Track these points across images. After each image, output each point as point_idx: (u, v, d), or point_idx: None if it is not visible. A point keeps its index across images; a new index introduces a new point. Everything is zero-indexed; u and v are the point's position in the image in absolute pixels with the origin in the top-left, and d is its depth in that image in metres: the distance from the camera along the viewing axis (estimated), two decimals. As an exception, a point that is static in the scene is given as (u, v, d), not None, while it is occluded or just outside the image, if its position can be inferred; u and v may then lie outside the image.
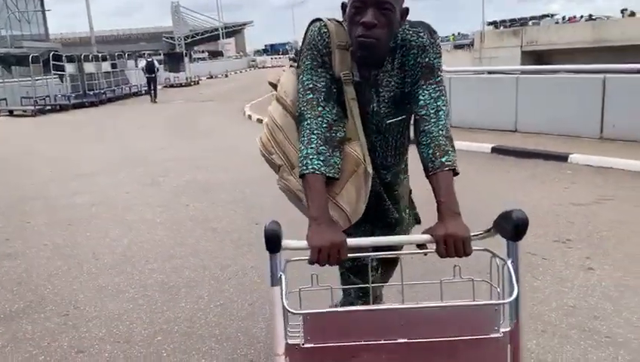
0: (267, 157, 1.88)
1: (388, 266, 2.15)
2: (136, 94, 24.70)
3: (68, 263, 4.33)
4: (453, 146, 1.61)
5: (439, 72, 1.71)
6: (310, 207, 1.53)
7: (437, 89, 1.67)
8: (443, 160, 1.57)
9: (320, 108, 1.66)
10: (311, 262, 1.43)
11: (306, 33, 1.77)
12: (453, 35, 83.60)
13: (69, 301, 3.64)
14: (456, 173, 1.59)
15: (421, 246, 1.54)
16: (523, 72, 10.38)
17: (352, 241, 1.47)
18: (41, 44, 38.06)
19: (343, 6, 1.70)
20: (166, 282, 3.86)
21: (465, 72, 10.61)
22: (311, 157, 1.58)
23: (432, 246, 1.47)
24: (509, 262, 1.37)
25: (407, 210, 2.09)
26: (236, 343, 2.97)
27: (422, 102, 1.66)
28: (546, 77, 8.86)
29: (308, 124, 1.64)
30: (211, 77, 38.78)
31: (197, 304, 3.49)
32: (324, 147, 1.61)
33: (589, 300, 3.26)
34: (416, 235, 1.54)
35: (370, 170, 1.74)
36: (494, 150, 7.66)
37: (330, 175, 1.60)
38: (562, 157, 6.88)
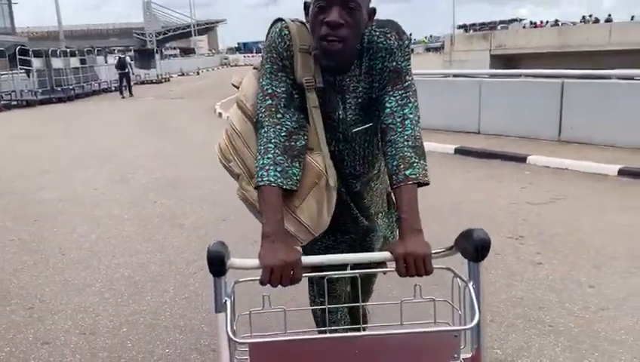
0: (225, 165, 1.79)
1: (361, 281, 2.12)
2: (106, 90, 24.39)
3: (34, 258, 4.36)
4: (420, 156, 1.52)
5: (407, 77, 1.60)
6: (264, 223, 1.44)
7: (404, 95, 1.58)
8: (407, 173, 1.49)
9: (279, 116, 1.56)
10: (262, 282, 1.35)
11: (267, 34, 1.66)
12: (425, 37, 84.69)
13: (34, 295, 3.68)
14: (423, 184, 1.51)
15: (380, 264, 1.47)
16: (492, 75, 10.69)
17: (307, 259, 1.39)
18: (7, 38, 37.16)
19: (306, 6, 1.58)
20: (132, 276, 3.93)
21: (432, 75, 10.86)
22: (267, 167, 1.49)
23: (392, 265, 1.40)
24: (470, 285, 1.30)
25: (383, 215, 2.01)
26: (200, 334, 3.07)
27: (388, 109, 1.57)
28: (508, 80, 9.15)
29: (265, 132, 1.55)
30: (183, 74, 38.45)
31: (162, 297, 3.58)
32: (281, 157, 1.51)
33: (536, 292, 3.46)
34: (376, 253, 1.47)
35: (332, 182, 1.64)
36: (457, 151, 7.91)
37: (288, 187, 1.50)
38: (521, 158, 7.16)
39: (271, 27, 1.65)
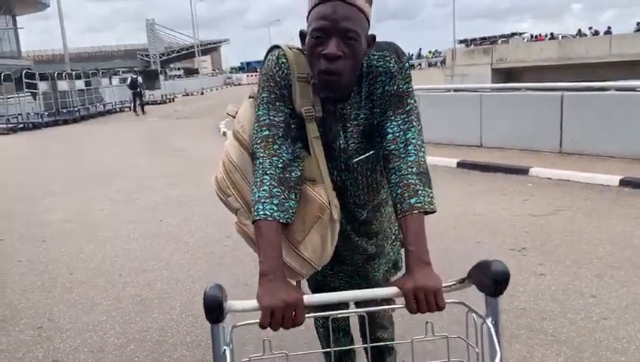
0: (223, 199, 1.72)
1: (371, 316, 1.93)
2: (110, 112, 24.68)
3: (42, 278, 4.42)
4: (425, 183, 1.45)
5: (409, 100, 1.54)
6: (261, 260, 1.34)
7: (407, 119, 1.52)
8: (412, 201, 1.41)
9: (275, 147, 1.49)
10: (262, 326, 1.24)
11: (264, 62, 1.59)
12: (430, 52, 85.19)
13: (43, 314, 3.73)
14: (430, 212, 1.43)
15: (389, 300, 1.39)
16: (493, 90, 10.80)
17: (310, 299, 1.29)
18: (14, 62, 37.72)
19: (302, 34, 1.51)
20: (139, 294, 3.98)
21: (433, 90, 10.98)
22: (263, 201, 1.41)
23: (401, 301, 1.31)
24: (488, 321, 1.19)
25: (393, 240, 1.93)
26: (206, 349, 3.11)
27: (390, 135, 1.51)
28: (509, 94, 9.26)
29: (261, 163, 1.47)
30: (187, 94, 38.86)
31: (169, 314, 3.62)
32: (278, 189, 1.44)
33: (539, 303, 3.49)
34: (383, 289, 1.37)
35: (336, 216, 1.56)
36: (459, 164, 7.96)
37: (284, 221, 1.42)
38: (523, 171, 7.20)
39: (267, 54, 1.58)
